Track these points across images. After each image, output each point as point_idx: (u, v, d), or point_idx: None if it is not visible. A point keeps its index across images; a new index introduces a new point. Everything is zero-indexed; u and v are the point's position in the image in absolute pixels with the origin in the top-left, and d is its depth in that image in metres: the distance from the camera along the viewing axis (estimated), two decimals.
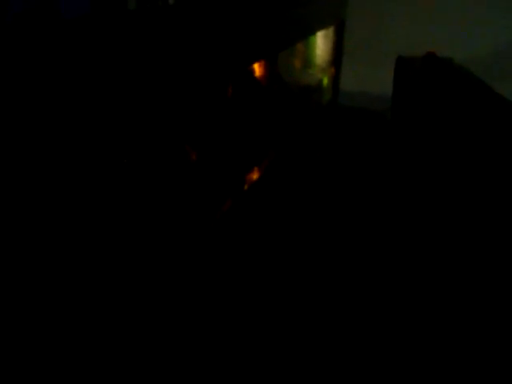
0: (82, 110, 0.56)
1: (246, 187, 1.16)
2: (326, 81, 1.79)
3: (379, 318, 1.04)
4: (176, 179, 0.87)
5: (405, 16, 2.04)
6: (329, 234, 1.18)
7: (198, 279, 0.96)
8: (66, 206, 0.58)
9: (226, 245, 1.05)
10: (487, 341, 1.00)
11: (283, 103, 1.38)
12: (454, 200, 1.15)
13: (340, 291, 1.06)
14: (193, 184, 0.92)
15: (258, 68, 1.17)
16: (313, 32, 1.36)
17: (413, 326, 1.03)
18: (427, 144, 1.34)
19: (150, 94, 0.67)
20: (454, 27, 2.07)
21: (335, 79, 1.85)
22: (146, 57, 0.66)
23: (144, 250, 0.78)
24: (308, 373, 0.93)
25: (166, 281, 0.86)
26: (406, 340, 1.00)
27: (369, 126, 1.79)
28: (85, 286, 0.63)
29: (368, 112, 1.91)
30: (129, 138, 0.67)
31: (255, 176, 1.20)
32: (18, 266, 0.53)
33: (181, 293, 0.90)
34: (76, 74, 0.56)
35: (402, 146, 1.51)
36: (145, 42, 0.67)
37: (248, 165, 1.16)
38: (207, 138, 0.94)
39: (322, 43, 1.66)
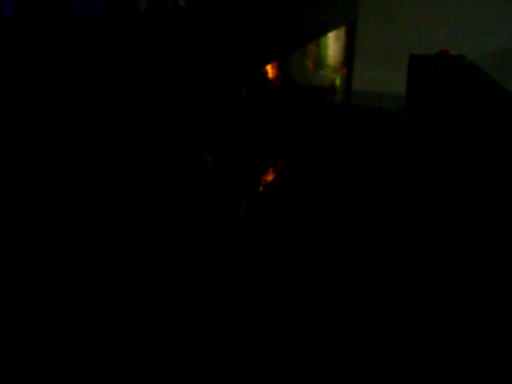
0: (95, 112, 0.56)
1: (261, 189, 1.15)
2: (338, 81, 1.78)
3: (380, 318, 1.03)
4: (192, 181, 0.87)
5: (416, 15, 2.02)
6: (340, 234, 1.17)
7: (210, 280, 0.96)
8: (80, 209, 0.57)
9: (241, 246, 1.05)
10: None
11: (296, 104, 1.37)
12: (465, 199, 1.13)
13: (348, 291, 1.05)
14: (208, 186, 0.92)
15: (270, 69, 1.17)
16: (324, 33, 1.35)
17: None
18: (440, 142, 1.32)
19: (165, 96, 0.67)
20: (465, 25, 2.05)
21: (348, 79, 1.84)
22: (157, 59, 0.66)
23: (160, 250, 0.78)
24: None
25: (179, 281, 0.85)
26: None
27: (383, 125, 1.77)
28: (103, 286, 0.63)
29: (382, 111, 1.90)
30: (144, 141, 0.67)
31: (270, 177, 1.19)
32: (39, 269, 0.53)
33: (193, 292, 0.90)
34: (88, 76, 0.56)
35: (417, 145, 1.49)
36: (158, 44, 0.66)
37: (263, 166, 1.15)
38: (222, 140, 0.94)
39: (333, 43, 1.65)
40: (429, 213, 1.20)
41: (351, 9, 1.58)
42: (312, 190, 1.29)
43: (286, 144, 1.28)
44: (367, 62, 2.00)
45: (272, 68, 1.17)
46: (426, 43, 1.87)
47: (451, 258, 1.08)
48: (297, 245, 1.11)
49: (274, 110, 1.21)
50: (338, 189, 1.33)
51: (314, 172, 1.36)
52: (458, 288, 1.05)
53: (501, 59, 2.12)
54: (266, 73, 1.14)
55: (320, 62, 1.60)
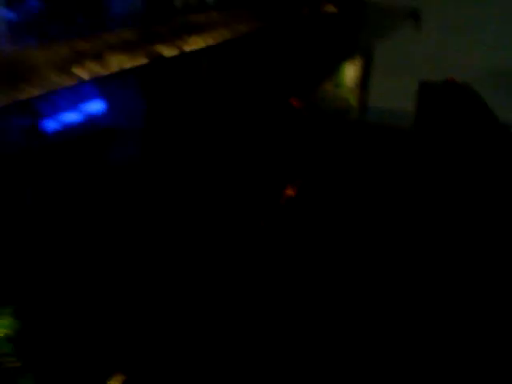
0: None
1: (283, 201, 1.34)
2: (353, 101, 1.96)
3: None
4: (226, 196, 1.03)
5: (427, 43, 2.19)
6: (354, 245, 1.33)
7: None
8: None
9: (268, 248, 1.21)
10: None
11: (315, 125, 1.55)
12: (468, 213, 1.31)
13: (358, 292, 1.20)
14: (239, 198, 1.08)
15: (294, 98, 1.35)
16: (342, 64, 1.53)
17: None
18: (443, 161, 1.50)
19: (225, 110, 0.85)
20: (472, 53, 2.23)
21: (363, 99, 2.02)
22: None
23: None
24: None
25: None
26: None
27: (394, 142, 1.94)
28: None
29: (394, 129, 2.07)
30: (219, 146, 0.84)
31: (291, 192, 1.37)
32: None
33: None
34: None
35: (424, 162, 1.67)
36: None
37: (284, 181, 1.33)
38: (253, 157, 1.10)
39: (350, 69, 1.83)
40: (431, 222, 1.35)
41: (367, 40, 1.75)
42: (328, 201, 1.46)
43: (305, 161, 1.46)
44: (382, 84, 2.17)
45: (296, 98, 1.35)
46: (436, 69, 2.05)
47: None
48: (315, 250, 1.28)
49: (295, 132, 1.38)
50: (350, 201, 1.51)
51: (330, 185, 1.54)
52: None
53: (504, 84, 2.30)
54: (292, 101, 1.32)
55: (338, 85, 1.78)
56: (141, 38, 0.98)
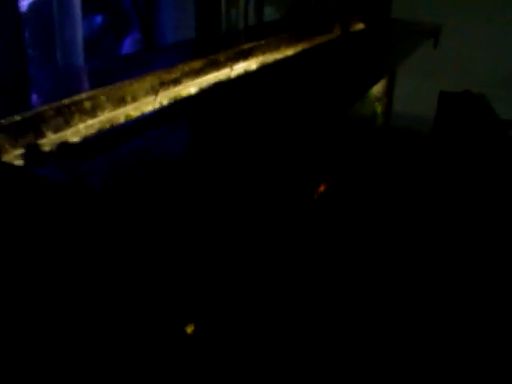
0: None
1: (315, 197, 1.59)
2: (380, 108, 2.19)
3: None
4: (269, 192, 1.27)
5: (448, 55, 2.41)
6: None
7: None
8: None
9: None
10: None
11: (347, 131, 1.79)
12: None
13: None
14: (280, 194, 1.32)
15: None
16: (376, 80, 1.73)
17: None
18: (454, 163, 1.74)
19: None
20: (491, 64, 2.44)
21: (388, 106, 2.25)
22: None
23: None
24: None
25: None
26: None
27: (416, 145, 2.17)
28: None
29: (416, 133, 2.30)
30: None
31: (323, 188, 1.62)
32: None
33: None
34: None
35: (442, 168, 1.90)
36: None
37: (318, 179, 1.57)
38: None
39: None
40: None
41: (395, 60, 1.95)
42: (355, 199, 1.71)
43: (336, 163, 1.71)
44: (406, 93, 2.40)
45: None
46: (457, 80, 2.28)
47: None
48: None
49: (332, 137, 1.62)
50: (374, 201, 1.74)
51: (357, 185, 1.78)
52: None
53: None
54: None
55: (367, 94, 2.02)
56: (206, 65, 1.24)
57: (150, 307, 0.59)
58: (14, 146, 0.76)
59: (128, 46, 2.17)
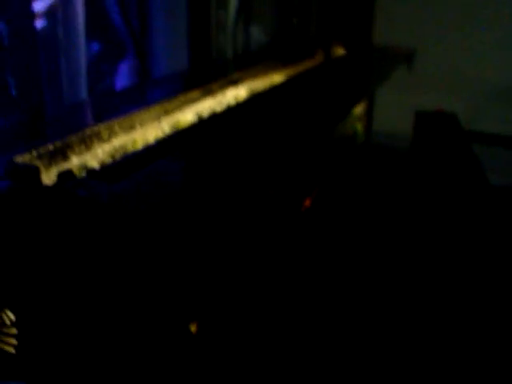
0: None
1: (302, 210, 1.73)
2: (360, 127, 2.36)
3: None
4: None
5: (423, 78, 2.61)
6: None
7: None
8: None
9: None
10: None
11: (331, 149, 1.94)
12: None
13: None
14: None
15: None
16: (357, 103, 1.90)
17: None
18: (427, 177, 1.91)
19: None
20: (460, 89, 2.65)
21: (368, 125, 2.42)
22: None
23: None
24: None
25: None
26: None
27: (394, 162, 2.34)
28: None
29: (394, 150, 2.47)
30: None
31: (308, 202, 1.77)
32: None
33: None
34: None
35: (418, 181, 2.06)
36: None
37: (305, 194, 1.71)
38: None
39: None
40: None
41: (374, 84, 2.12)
42: (337, 213, 1.85)
43: (319, 178, 1.85)
44: (386, 112, 2.58)
45: None
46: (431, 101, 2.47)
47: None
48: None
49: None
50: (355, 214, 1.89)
51: (338, 200, 1.93)
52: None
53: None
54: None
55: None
56: (202, 95, 1.39)
57: (156, 307, 0.66)
58: (49, 170, 0.90)
59: (124, 72, 2.31)
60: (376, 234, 1.78)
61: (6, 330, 0.85)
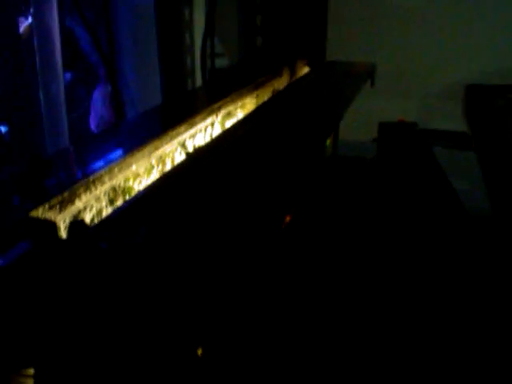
0: None
1: (283, 225, 1.83)
2: (328, 140, 2.47)
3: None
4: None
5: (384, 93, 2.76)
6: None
7: None
8: None
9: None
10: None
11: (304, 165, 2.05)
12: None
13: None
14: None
15: None
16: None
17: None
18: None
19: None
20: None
21: (335, 138, 2.54)
22: None
23: None
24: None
25: None
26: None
27: (362, 172, 2.46)
28: None
29: (363, 160, 2.60)
30: None
31: (288, 218, 1.87)
32: None
33: None
34: None
35: (384, 187, 2.19)
36: None
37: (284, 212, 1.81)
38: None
39: None
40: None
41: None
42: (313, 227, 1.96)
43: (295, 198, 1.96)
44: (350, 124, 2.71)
45: None
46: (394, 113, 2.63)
47: None
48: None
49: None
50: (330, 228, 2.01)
51: (313, 214, 2.04)
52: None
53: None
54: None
55: None
56: (186, 128, 1.47)
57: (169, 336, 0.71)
58: (59, 219, 0.96)
59: (96, 98, 2.36)
60: (352, 241, 1.88)
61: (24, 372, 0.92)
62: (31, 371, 0.92)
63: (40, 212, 0.94)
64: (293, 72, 2.33)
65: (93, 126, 2.43)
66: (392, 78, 3.07)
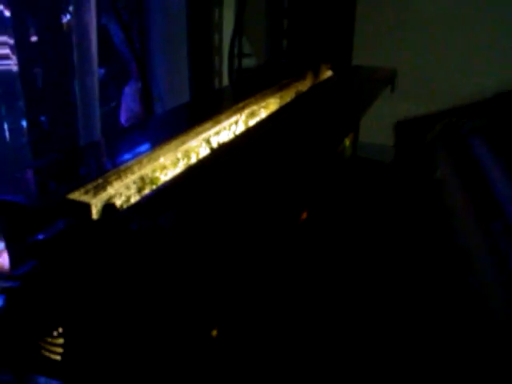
0: None
1: (299, 223, 1.91)
2: (348, 141, 2.54)
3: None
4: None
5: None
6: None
7: None
8: None
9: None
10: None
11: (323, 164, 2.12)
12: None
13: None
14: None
15: None
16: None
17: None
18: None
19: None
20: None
21: (355, 138, 2.61)
22: None
23: None
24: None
25: None
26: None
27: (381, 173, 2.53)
28: None
29: (380, 162, 2.66)
30: None
31: (304, 215, 1.94)
32: None
33: None
34: None
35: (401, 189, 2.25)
36: None
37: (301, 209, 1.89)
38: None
39: None
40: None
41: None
42: (328, 226, 2.03)
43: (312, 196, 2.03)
44: (371, 126, 2.77)
45: None
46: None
47: None
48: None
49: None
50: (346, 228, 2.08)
51: (329, 213, 2.11)
52: None
53: None
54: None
55: None
56: (212, 125, 1.56)
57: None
58: (96, 205, 1.06)
59: (127, 93, 2.46)
60: (367, 243, 1.95)
61: (53, 341, 1.02)
62: (60, 340, 1.03)
63: (76, 195, 1.04)
64: (316, 75, 2.40)
65: (123, 120, 2.54)
66: (418, 84, 3.12)
